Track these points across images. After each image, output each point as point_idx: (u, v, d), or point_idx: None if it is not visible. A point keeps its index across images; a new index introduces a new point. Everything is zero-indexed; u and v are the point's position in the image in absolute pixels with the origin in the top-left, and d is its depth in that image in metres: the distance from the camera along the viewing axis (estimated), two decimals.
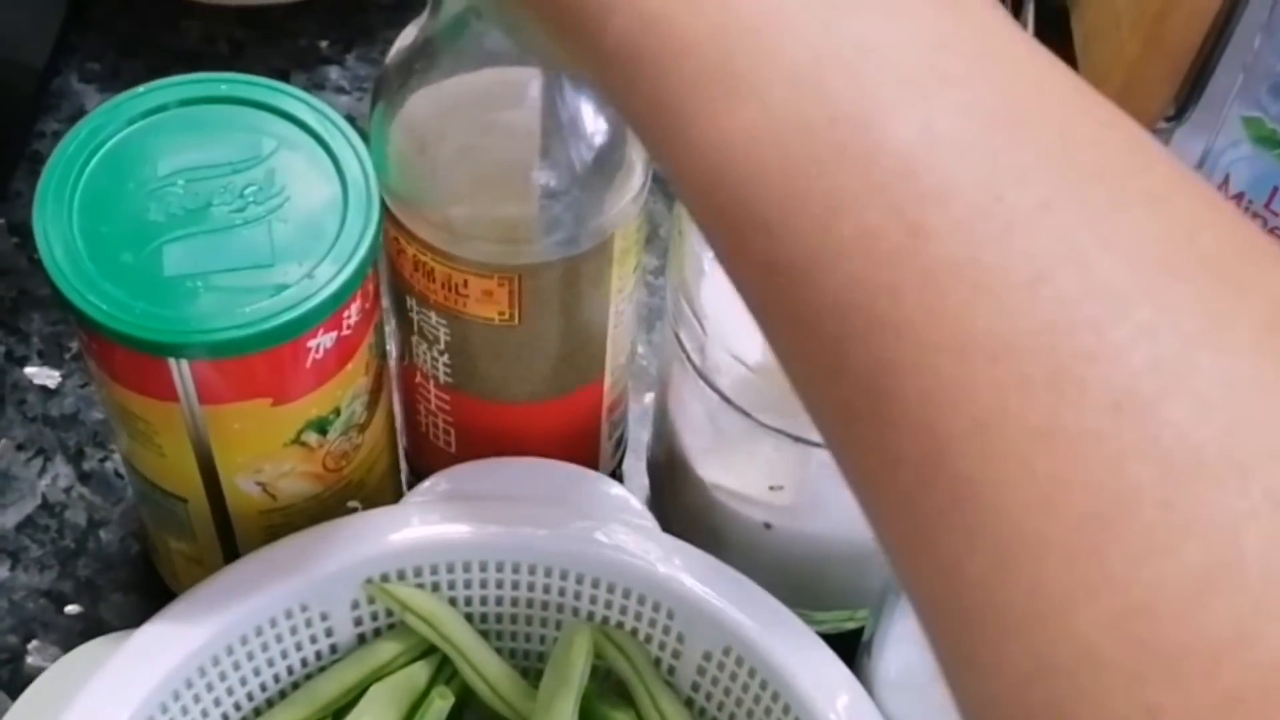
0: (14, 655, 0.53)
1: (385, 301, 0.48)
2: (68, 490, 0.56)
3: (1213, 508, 0.18)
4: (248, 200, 0.43)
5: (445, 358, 0.48)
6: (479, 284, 0.45)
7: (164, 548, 0.51)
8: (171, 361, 0.42)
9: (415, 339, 0.49)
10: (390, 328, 0.50)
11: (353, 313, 0.43)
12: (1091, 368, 0.19)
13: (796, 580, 0.47)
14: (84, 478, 0.56)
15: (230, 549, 0.49)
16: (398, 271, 0.47)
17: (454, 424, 0.51)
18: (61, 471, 0.56)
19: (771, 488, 0.48)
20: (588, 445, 0.53)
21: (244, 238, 0.43)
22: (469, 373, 0.49)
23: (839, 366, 0.22)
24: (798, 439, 0.45)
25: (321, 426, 0.46)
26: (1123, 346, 0.18)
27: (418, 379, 0.50)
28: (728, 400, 0.45)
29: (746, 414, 0.45)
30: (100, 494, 0.56)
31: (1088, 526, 0.18)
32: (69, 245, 0.42)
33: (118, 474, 0.56)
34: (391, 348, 0.50)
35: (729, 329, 0.45)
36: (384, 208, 0.44)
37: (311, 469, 0.47)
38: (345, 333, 0.44)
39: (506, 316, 0.46)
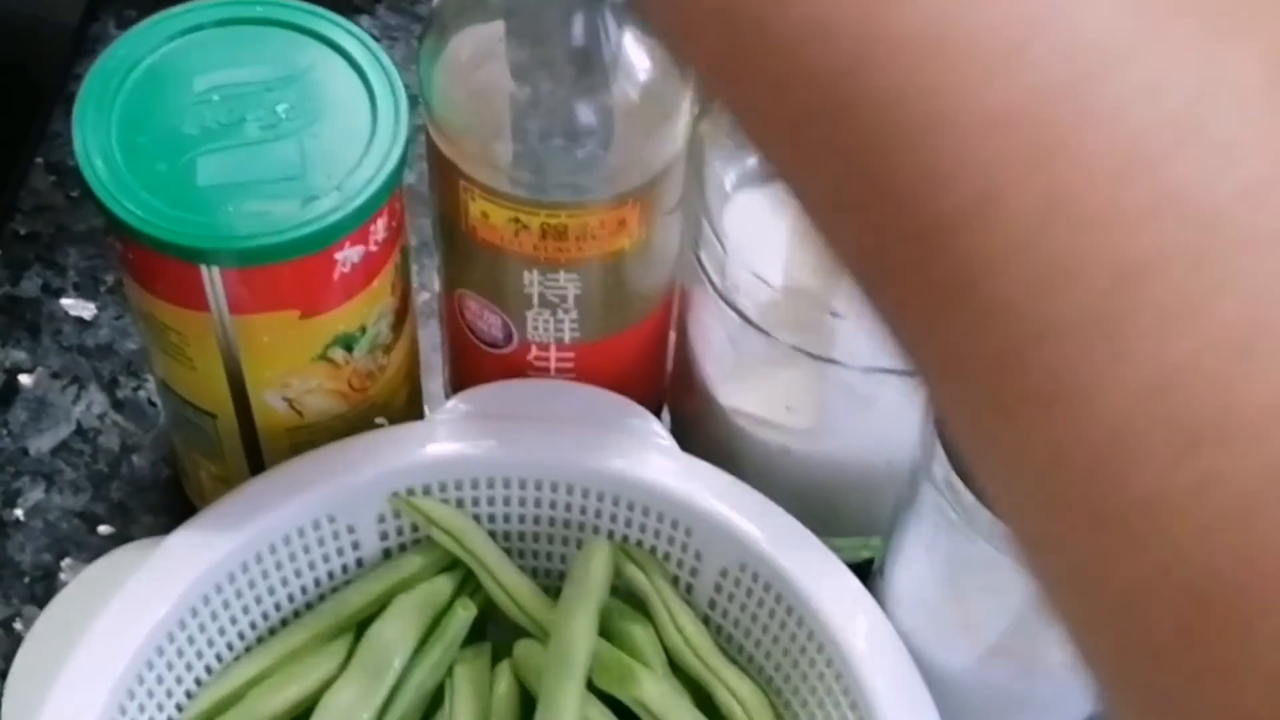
0: (48, 573, 0.53)
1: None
2: (101, 417, 0.56)
3: (1244, 264, 0.17)
4: (280, 117, 0.43)
5: (573, 314, 0.47)
6: (614, 217, 0.44)
7: (193, 470, 0.51)
8: (203, 269, 0.42)
9: (532, 314, 0.47)
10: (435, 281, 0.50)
11: (379, 229, 0.43)
12: (1091, 131, 0.17)
13: (813, 506, 0.47)
14: (117, 405, 0.57)
15: (257, 468, 0.49)
16: (508, 258, 0.45)
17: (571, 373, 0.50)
18: (95, 399, 0.57)
19: (789, 408, 0.48)
20: (654, 374, 0.53)
21: (276, 152, 0.43)
22: (592, 318, 0.48)
23: (826, 148, 0.20)
24: (816, 357, 0.45)
25: (348, 343, 0.46)
26: (1124, 104, 0.17)
27: (533, 354, 0.49)
28: (748, 320, 0.45)
29: (766, 333, 0.45)
30: (133, 421, 0.56)
31: (1107, 298, 0.17)
32: (107, 154, 0.42)
33: (150, 402, 0.56)
34: (423, 286, 0.50)
35: (750, 249, 0.45)
36: (446, 163, 0.44)
37: (337, 387, 0.47)
38: (372, 249, 0.44)
39: (635, 239, 0.45)
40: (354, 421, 0.48)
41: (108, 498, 0.55)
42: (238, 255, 0.42)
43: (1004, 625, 0.43)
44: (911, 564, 0.45)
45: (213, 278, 0.42)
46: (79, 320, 0.59)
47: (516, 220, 0.44)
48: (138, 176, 0.42)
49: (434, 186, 0.47)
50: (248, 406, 0.47)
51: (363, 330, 0.46)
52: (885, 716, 0.42)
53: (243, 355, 0.45)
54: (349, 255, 0.43)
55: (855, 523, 0.50)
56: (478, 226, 0.45)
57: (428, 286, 0.59)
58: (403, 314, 0.48)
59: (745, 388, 0.49)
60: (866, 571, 0.49)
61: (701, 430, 0.51)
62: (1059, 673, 0.44)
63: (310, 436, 0.48)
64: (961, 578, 0.44)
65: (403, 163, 0.43)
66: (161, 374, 0.48)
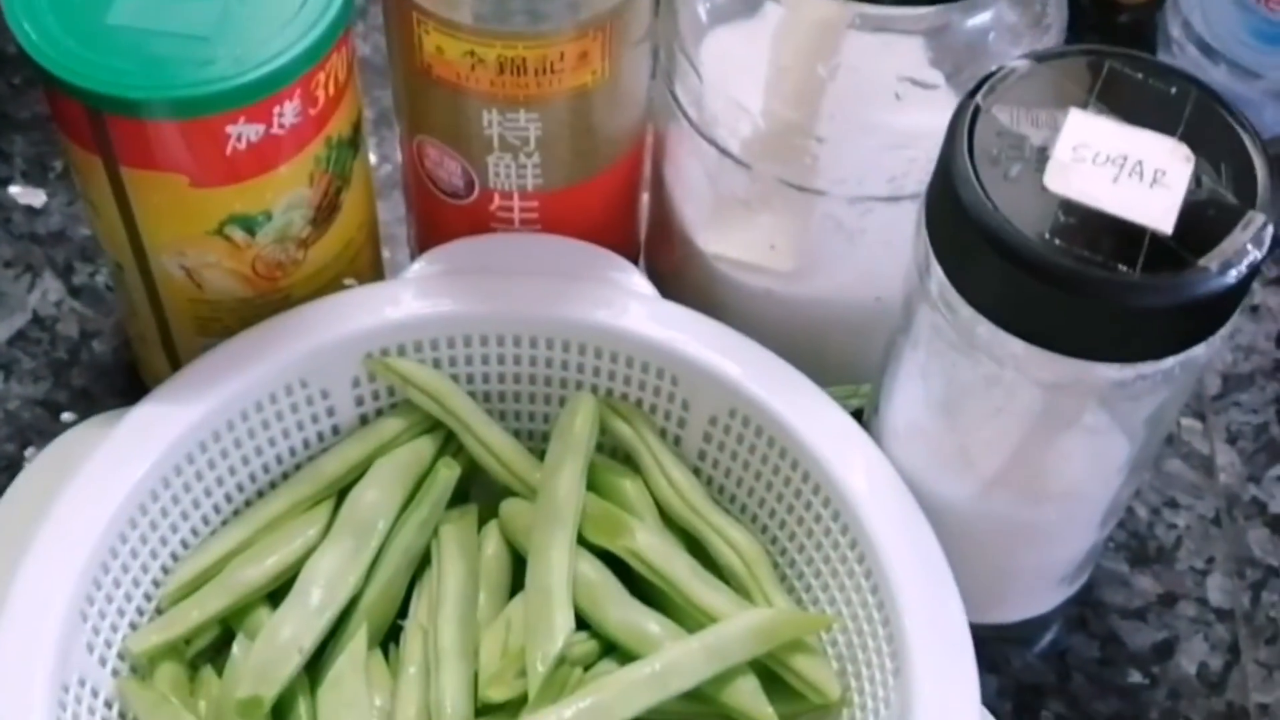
0: (11, 463, 0.49)
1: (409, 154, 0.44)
2: (58, 304, 0.53)
3: None
4: None
5: (535, 159, 0.44)
6: (575, 48, 0.41)
7: (132, 335, 0.49)
8: (93, 111, 0.39)
9: (493, 159, 0.44)
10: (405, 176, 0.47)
11: (287, 112, 0.40)
12: None
13: (800, 353, 0.44)
14: (74, 292, 0.53)
15: (165, 334, 0.46)
16: (466, 97, 0.42)
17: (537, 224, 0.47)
18: (51, 286, 0.53)
19: (773, 248, 0.45)
20: (626, 228, 0.50)
21: (196, 8, 0.40)
22: (557, 163, 0.45)
23: None
24: (800, 188, 0.42)
25: (248, 226, 0.42)
26: None
27: (496, 205, 0.46)
28: (727, 153, 0.42)
29: (748, 166, 0.42)
30: (91, 307, 0.53)
31: None
32: None
33: (108, 287, 0.53)
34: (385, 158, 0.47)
35: (729, 79, 0.42)
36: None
37: (239, 269, 0.43)
38: (276, 131, 0.40)
39: (599, 75, 0.42)
40: (262, 309, 0.44)
41: (69, 384, 0.51)
42: (125, 104, 0.38)
43: (1003, 455, 0.41)
44: (906, 398, 0.43)
45: (103, 122, 0.39)
46: (29, 209, 0.55)
47: (472, 54, 0.41)
48: (53, 6, 0.39)
49: (388, 23, 0.43)
50: (148, 266, 0.44)
51: (267, 216, 0.42)
52: (887, 554, 0.40)
53: (136, 211, 0.42)
54: (244, 131, 0.40)
55: (844, 369, 0.47)
56: (433, 63, 0.41)
57: (390, 159, 0.56)
58: (328, 210, 0.44)
59: (726, 230, 0.46)
60: (857, 421, 0.47)
61: (681, 282, 0.48)
62: (1061, 500, 0.42)
63: (213, 313, 0.45)
64: (958, 407, 0.41)
65: (319, 52, 0.40)
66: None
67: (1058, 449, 0.41)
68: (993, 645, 0.39)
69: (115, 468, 0.40)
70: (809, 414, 0.42)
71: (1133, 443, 0.41)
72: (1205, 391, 0.55)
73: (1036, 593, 0.46)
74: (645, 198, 0.50)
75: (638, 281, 0.45)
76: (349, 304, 0.44)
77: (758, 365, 0.43)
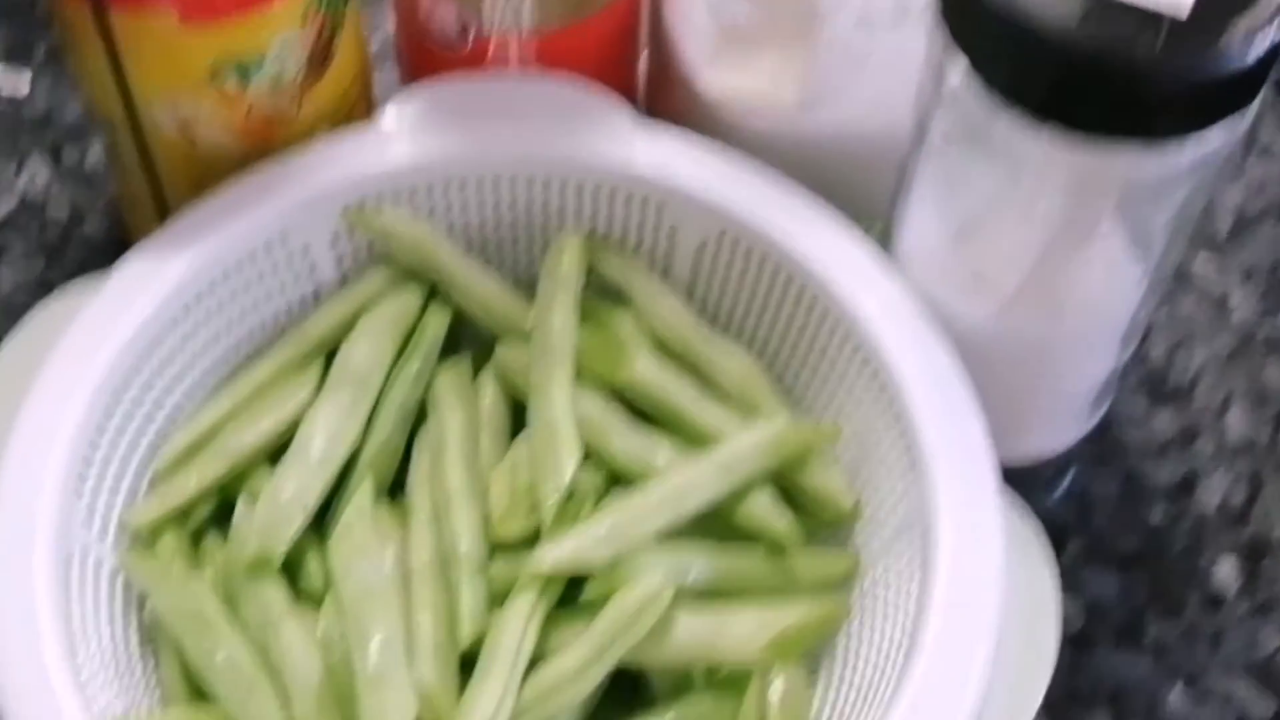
0: None
1: None
2: (47, 188, 0.52)
3: None
4: None
5: None
6: None
7: (125, 206, 0.47)
8: None
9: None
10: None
11: None
12: None
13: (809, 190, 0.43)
14: (63, 174, 0.52)
15: (160, 200, 0.45)
16: None
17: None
18: (39, 171, 0.52)
19: (775, 83, 0.43)
20: (625, 72, 0.48)
21: None
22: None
23: None
24: (804, 13, 0.40)
25: (242, 70, 0.41)
26: None
27: (493, 53, 0.44)
28: None
29: None
30: (82, 189, 0.51)
31: None
32: None
33: (98, 168, 0.52)
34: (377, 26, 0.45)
35: None
36: None
37: (233, 121, 0.42)
38: None
39: None
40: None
41: (62, 266, 0.50)
42: None
43: (1022, 271, 0.39)
44: (921, 224, 0.41)
45: None
46: (13, 95, 0.54)
47: None
48: None
49: None
50: (140, 123, 0.42)
51: (260, 60, 0.41)
52: (904, 375, 0.38)
53: (126, 61, 0.40)
54: None
55: (854, 206, 0.46)
56: None
57: (381, 26, 0.55)
58: (321, 55, 0.42)
59: (728, 67, 0.44)
60: None
61: (682, 125, 0.47)
62: (1081, 314, 0.40)
63: (207, 172, 0.43)
64: (975, 226, 0.39)
65: None
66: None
67: (1077, 261, 0.39)
68: (1012, 489, 0.37)
69: (96, 337, 0.39)
70: (803, 229, 0.40)
71: (1151, 252, 0.39)
72: (1217, 231, 0.53)
73: (1056, 424, 0.45)
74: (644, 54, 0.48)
75: (619, 112, 0.43)
76: (320, 158, 0.42)
77: (744, 183, 0.41)
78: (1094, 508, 0.47)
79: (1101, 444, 0.48)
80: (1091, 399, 0.44)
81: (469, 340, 0.44)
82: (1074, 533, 0.46)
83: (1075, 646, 0.44)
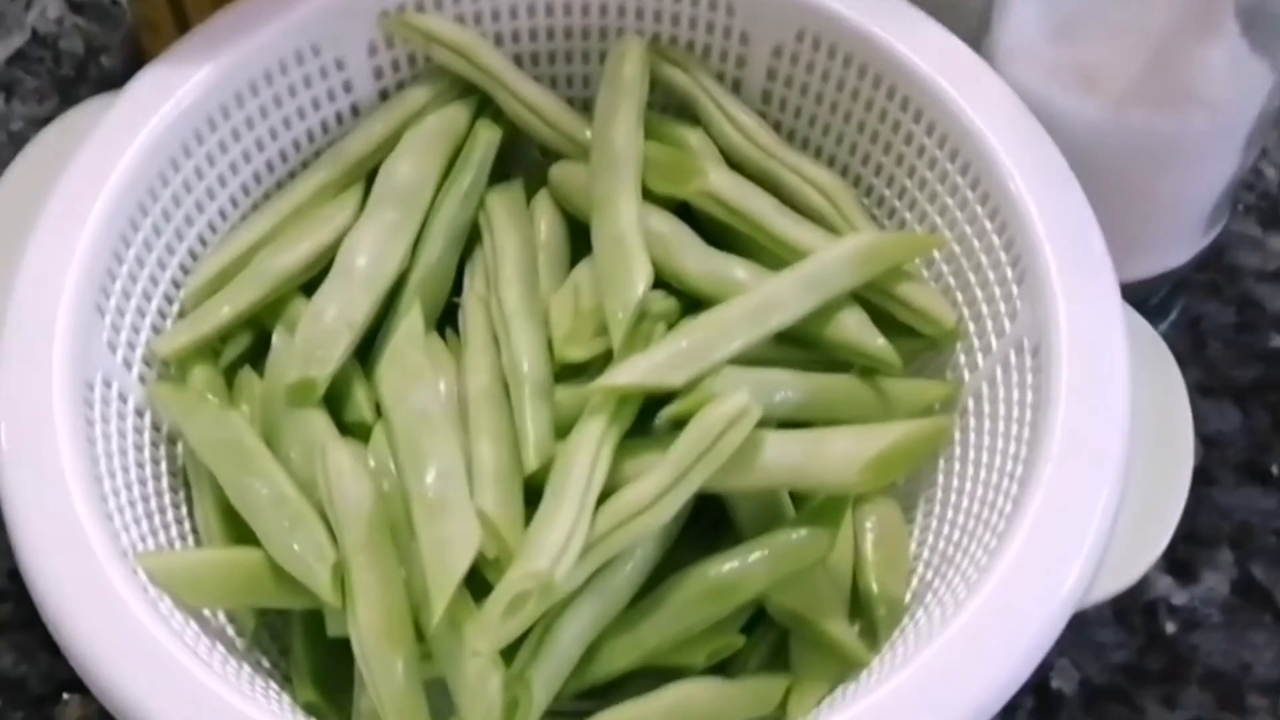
0: None
1: None
2: (59, 21, 0.48)
3: None
4: None
5: None
6: None
7: (143, 30, 0.44)
8: None
9: None
10: None
11: None
12: None
13: None
14: (76, 8, 0.48)
15: (181, 17, 0.41)
16: None
17: None
18: (50, 4, 0.48)
19: None
20: None
21: None
22: None
23: None
24: None
25: None
26: None
27: None
28: None
29: None
30: (96, 22, 0.48)
31: None
32: None
33: (112, 1, 0.49)
34: None
35: None
36: None
37: None
38: None
39: None
40: None
41: (77, 100, 0.47)
42: None
43: (1139, 66, 0.35)
44: (1021, 13, 0.36)
45: None
46: None
47: None
48: None
49: None
50: None
51: None
52: (1013, 181, 0.34)
53: None
54: None
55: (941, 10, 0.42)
56: None
57: None
58: None
59: None
60: None
61: None
62: (1209, 112, 0.36)
63: None
64: (1086, 14, 0.35)
65: None
66: None
67: (1198, 54, 0.35)
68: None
69: (120, 139, 0.35)
70: (893, 22, 0.36)
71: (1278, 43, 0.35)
72: None
73: (1168, 240, 0.40)
74: None
75: None
76: None
77: None
78: (1209, 335, 0.43)
79: (1213, 270, 0.44)
80: (1207, 211, 0.40)
81: (521, 166, 0.40)
82: (1188, 363, 0.42)
83: (1193, 484, 0.40)
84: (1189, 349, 0.43)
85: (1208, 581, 0.39)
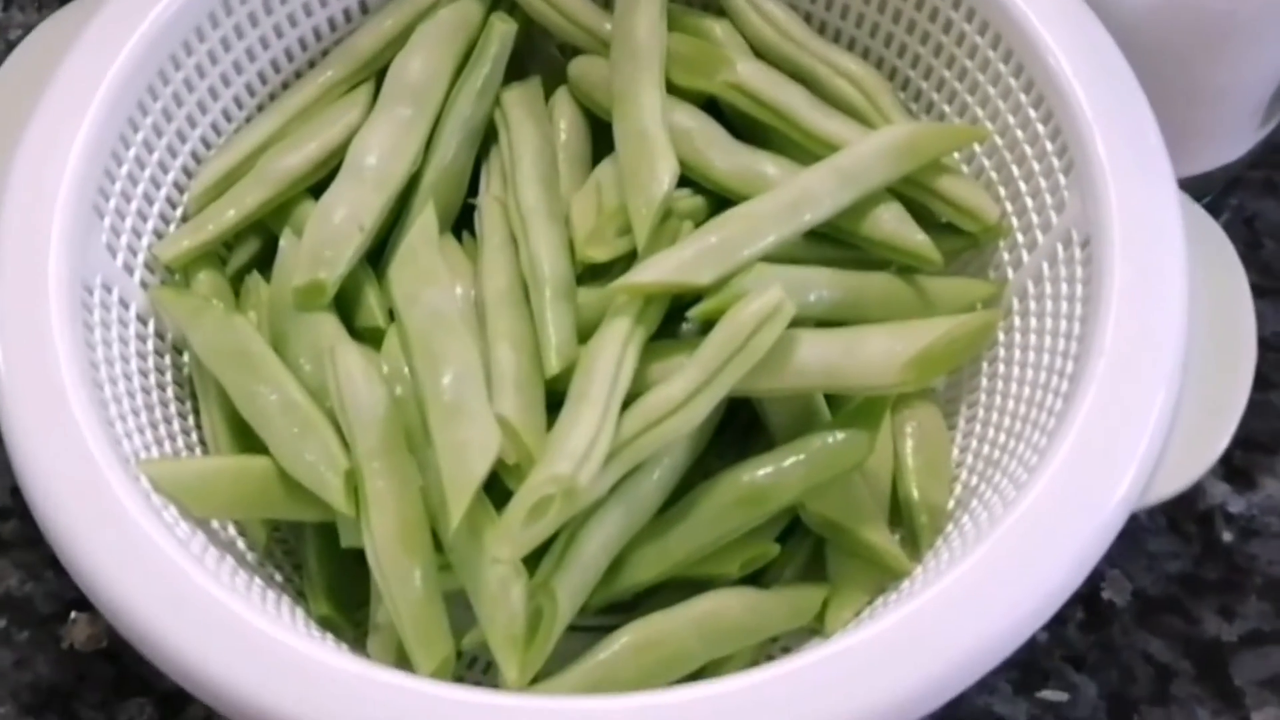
0: None
1: None
2: None
3: None
4: None
5: None
6: None
7: None
8: None
9: None
10: None
11: None
12: None
13: None
14: None
15: None
16: None
17: None
18: None
19: None
20: None
21: None
22: None
23: None
24: None
25: None
26: None
27: None
28: None
29: None
30: None
31: None
32: None
33: None
34: None
35: None
36: None
37: None
38: None
39: None
40: None
41: None
42: None
43: None
44: None
45: None
46: None
47: None
48: None
49: None
50: None
51: None
52: (1060, 65, 0.32)
53: None
54: None
55: None
56: None
57: None
58: None
59: None
60: None
61: None
62: None
63: None
64: None
65: None
66: None
67: None
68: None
69: (117, 33, 0.33)
70: None
71: None
72: None
73: (1225, 129, 0.38)
74: None
75: None
76: None
77: None
78: (1263, 235, 0.41)
79: (1269, 167, 0.41)
80: (1264, 101, 0.38)
81: (538, 64, 0.38)
82: (1243, 261, 0.40)
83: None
84: (1243, 249, 0.40)
85: (1267, 488, 0.37)
